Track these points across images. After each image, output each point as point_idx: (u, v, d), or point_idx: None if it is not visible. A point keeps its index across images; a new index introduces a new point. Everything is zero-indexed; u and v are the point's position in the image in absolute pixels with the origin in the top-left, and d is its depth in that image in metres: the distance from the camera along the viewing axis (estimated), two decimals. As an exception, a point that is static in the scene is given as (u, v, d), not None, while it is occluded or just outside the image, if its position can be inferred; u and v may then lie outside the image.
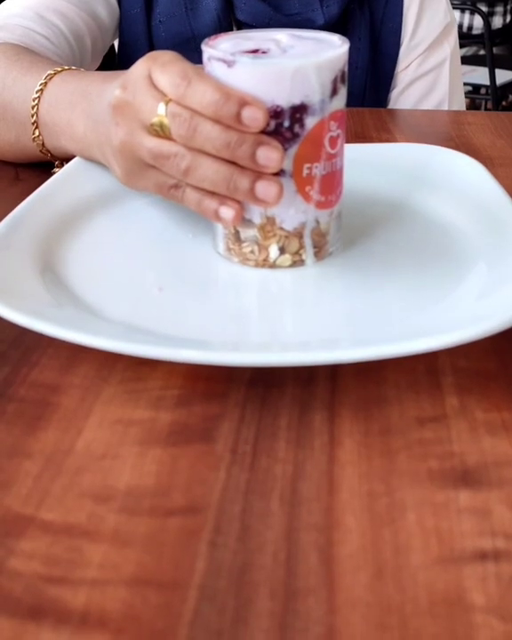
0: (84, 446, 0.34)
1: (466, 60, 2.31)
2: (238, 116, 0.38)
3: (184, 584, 0.27)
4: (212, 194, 0.40)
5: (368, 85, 0.84)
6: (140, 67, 0.42)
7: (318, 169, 0.41)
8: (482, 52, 2.40)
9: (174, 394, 0.37)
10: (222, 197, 0.40)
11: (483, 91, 2.43)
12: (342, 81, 0.42)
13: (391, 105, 0.86)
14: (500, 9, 2.49)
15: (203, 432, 0.34)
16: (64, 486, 0.32)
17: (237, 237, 0.46)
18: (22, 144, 0.60)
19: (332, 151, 0.42)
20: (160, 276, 0.45)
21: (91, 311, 0.40)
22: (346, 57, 0.42)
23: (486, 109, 2.50)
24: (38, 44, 0.69)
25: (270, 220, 0.43)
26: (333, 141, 0.42)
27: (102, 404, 0.36)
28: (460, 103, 0.87)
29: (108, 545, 0.29)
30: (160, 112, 0.40)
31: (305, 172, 0.41)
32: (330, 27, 0.79)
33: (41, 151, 0.59)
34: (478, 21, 2.53)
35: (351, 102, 0.84)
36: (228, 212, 0.40)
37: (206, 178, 0.39)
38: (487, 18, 2.30)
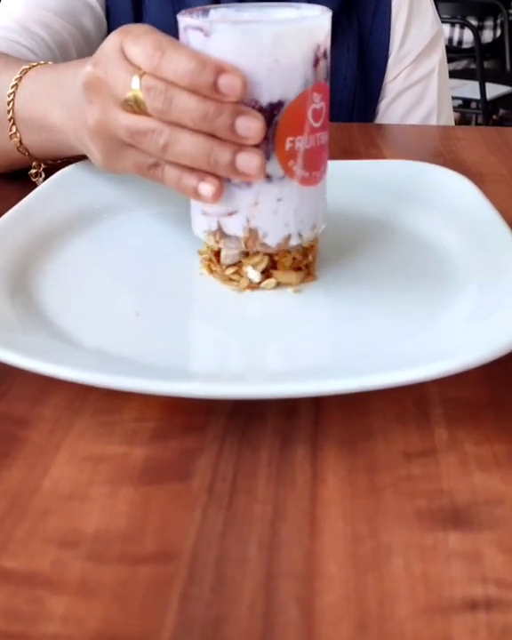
0: (51, 486, 0.32)
1: (456, 74, 2.32)
2: (215, 85, 0.36)
3: (153, 640, 0.25)
4: (192, 170, 0.39)
5: (357, 96, 0.83)
6: (112, 40, 0.40)
7: (302, 143, 0.39)
8: (472, 66, 2.40)
9: (150, 426, 0.35)
10: (202, 173, 0.38)
11: (473, 105, 2.43)
12: (324, 55, 0.40)
13: (380, 116, 0.85)
14: (490, 23, 2.50)
15: (178, 468, 0.32)
16: (28, 530, 0.29)
17: (218, 259, 0.44)
18: (1, 144, 0.58)
19: (316, 124, 0.40)
20: (138, 300, 0.43)
21: (63, 338, 0.38)
22: (327, 28, 0.40)
23: (477, 124, 2.51)
24: (22, 56, 0.68)
25: (253, 234, 0.42)
26: (317, 114, 0.40)
27: (73, 439, 0.34)
28: (449, 114, 0.86)
29: (72, 596, 0.27)
30: (134, 86, 0.38)
31: (288, 145, 0.39)
32: None
33: (18, 150, 0.57)
34: (468, 36, 2.53)
35: (340, 113, 0.84)
36: (207, 188, 0.38)
37: (185, 153, 0.38)
38: (477, 32, 2.31)
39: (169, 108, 0.37)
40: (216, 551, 0.28)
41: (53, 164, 0.59)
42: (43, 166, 0.59)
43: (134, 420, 0.35)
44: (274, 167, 0.39)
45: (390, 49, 0.82)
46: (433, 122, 0.84)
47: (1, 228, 0.46)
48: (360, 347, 0.38)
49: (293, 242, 0.42)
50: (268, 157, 0.39)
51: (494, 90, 2.39)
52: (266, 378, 0.35)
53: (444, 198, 0.52)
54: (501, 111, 2.55)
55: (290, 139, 0.39)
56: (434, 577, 0.27)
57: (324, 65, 0.40)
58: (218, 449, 0.33)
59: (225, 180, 0.39)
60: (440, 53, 0.84)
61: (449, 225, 0.50)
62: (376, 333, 0.39)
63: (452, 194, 0.53)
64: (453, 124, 0.89)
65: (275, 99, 0.38)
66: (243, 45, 0.37)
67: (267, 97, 0.38)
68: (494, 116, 2.48)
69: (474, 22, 2.37)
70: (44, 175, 0.59)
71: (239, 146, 0.37)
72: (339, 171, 0.57)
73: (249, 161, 0.37)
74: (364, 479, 0.32)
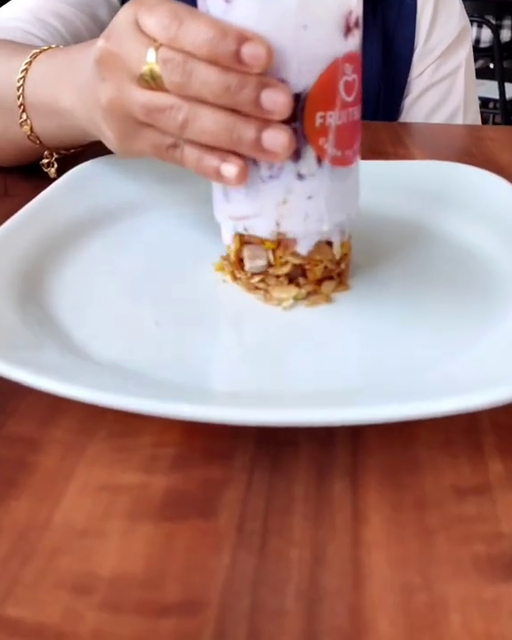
0: (62, 519, 0.28)
1: (474, 74, 2.27)
2: (238, 55, 0.33)
3: None
4: (214, 150, 0.35)
5: (381, 92, 0.79)
6: (126, 12, 0.37)
7: (333, 118, 0.36)
8: (490, 66, 2.36)
9: (170, 453, 0.32)
10: (224, 153, 0.35)
11: (491, 105, 2.38)
12: (356, 24, 0.36)
13: (404, 114, 0.81)
14: (508, 22, 2.46)
15: (203, 503, 0.29)
16: (36, 573, 0.26)
17: (242, 265, 0.41)
18: (11, 133, 0.54)
19: (349, 98, 0.36)
20: (157, 309, 0.40)
21: (76, 351, 0.35)
22: None
23: (494, 123, 2.46)
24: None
25: (283, 241, 0.38)
26: (349, 87, 0.36)
27: (86, 465, 0.31)
28: (476, 112, 0.83)
29: (85, 654, 0.24)
30: (149, 60, 0.35)
31: (318, 121, 0.35)
32: None
33: (29, 138, 0.53)
34: (486, 34, 2.49)
35: (364, 110, 0.80)
36: (230, 168, 0.35)
37: (205, 130, 0.34)
38: (496, 31, 2.27)
39: (188, 82, 0.34)
40: (248, 602, 0.25)
41: (66, 154, 0.56)
42: (55, 156, 0.56)
43: (153, 445, 0.32)
44: (302, 146, 0.36)
45: (416, 43, 0.79)
46: (459, 120, 0.81)
47: (10, 231, 0.42)
48: (400, 367, 0.35)
49: (325, 227, 0.38)
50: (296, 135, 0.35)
51: (512, 90, 2.34)
52: (297, 402, 0.32)
53: (482, 202, 0.49)
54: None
55: (320, 114, 0.35)
56: (498, 637, 0.24)
57: (357, 34, 0.36)
58: (246, 480, 0.30)
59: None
60: (467, 49, 0.81)
61: (491, 231, 0.46)
62: (417, 351, 0.36)
63: (491, 197, 0.49)
64: (480, 122, 0.85)
65: (303, 70, 0.34)
66: (267, 11, 0.34)
67: (294, 68, 0.34)
68: (511, 118, 2.43)
69: (492, 21, 2.32)
70: (56, 165, 0.56)
71: (265, 122, 0.34)
72: (369, 170, 0.54)
73: (275, 138, 0.34)
74: (412, 519, 0.28)
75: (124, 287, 0.42)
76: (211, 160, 0.35)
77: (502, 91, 2.24)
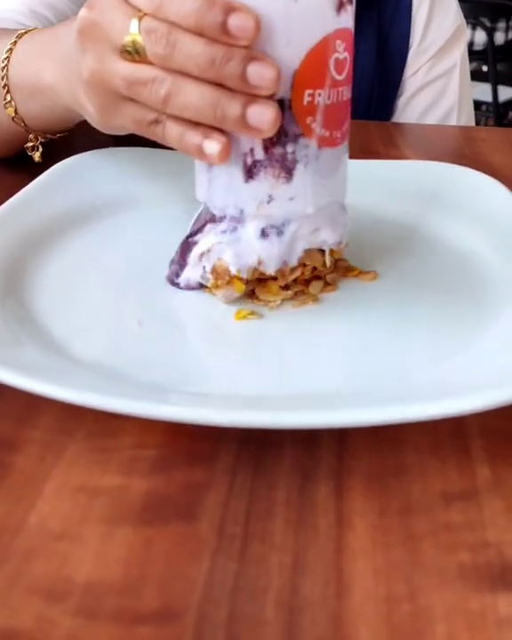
0: (38, 522, 0.27)
1: (467, 76, 2.27)
2: (224, 26, 0.32)
3: None
4: (197, 126, 0.34)
5: (375, 90, 0.78)
6: None
7: (322, 97, 0.34)
8: (484, 68, 2.36)
9: (151, 454, 0.31)
10: (207, 129, 0.34)
11: (484, 107, 2.38)
12: (349, 0, 0.35)
13: (398, 113, 0.80)
14: (502, 25, 2.46)
15: (184, 506, 0.28)
16: (9, 577, 0.25)
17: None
18: None
19: (339, 77, 0.35)
20: (140, 307, 0.39)
21: (56, 349, 0.34)
22: None
23: (486, 126, 2.46)
24: None
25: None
26: (340, 65, 0.35)
27: (64, 466, 0.30)
28: (470, 113, 0.82)
29: (57, 663, 0.23)
30: (133, 30, 0.34)
31: (306, 99, 0.34)
32: None
33: (14, 120, 0.52)
34: (480, 37, 2.49)
35: (357, 109, 0.79)
36: (212, 145, 0.34)
37: (189, 104, 0.33)
38: (490, 33, 2.27)
39: (171, 54, 0.33)
40: (227, 610, 0.24)
41: (52, 139, 0.55)
42: (40, 140, 0.55)
43: (133, 446, 0.31)
44: (289, 124, 0.34)
45: (411, 41, 0.78)
46: (453, 120, 0.80)
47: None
48: (388, 370, 0.34)
49: (310, 209, 0.37)
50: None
51: (506, 92, 2.35)
52: (282, 404, 0.31)
53: (476, 203, 0.48)
54: (511, 114, 2.51)
55: (309, 92, 0.34)
56: (482, 649, 0.23)
57: (350, 10, 0.35)
58: (228, 484, 0.29)
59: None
60: (462, 48, 0.80)
61: (483, 232, 0.46)
62: (404, 354, 0.35)
63: (485, 199, 0.49)
64: (474, 123, 0.84)
65: (292, 45, 0.33)
66: None
67: (283, 42, 0.33)
68: (504, 121, 2.44)
69: (487, 23, 2.32)
70: (40, 149, 0.55)
71: (251, 97, 0.33)
72: (360, 171, 0.54)
73: (261, 114, 0.33)
74: (398, 525, 0.28)
75: (106, 285, 0.41)
76: (193, 136, 0.34)
77: (495, 93, 2.24)
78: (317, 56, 0.34)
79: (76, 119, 0.46)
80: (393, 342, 0.36)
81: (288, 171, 0.36)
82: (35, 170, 0.51)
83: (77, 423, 0.32)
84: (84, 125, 0.68)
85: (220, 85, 0.33)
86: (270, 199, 0.36)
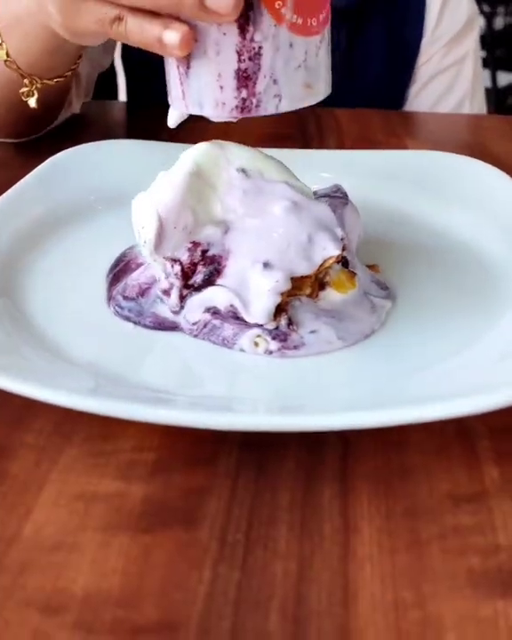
0: (33, 532, 0.27)
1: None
2: None
3: None
4: (157, 17, 0.33)
5: (386, 78, 0.77)
6: None
7: None
8: (483, 54, 2.32)
9: (150, 458, 0.30)
10: (167, 19, 0.33)
11: (483, 93, 2.36)
12: None
13: (410, 101, 0.79)
14: (501, 10, 2.43)
15: (183, 513, 0.27)
16: (4, 589, 0.25)
17: None
18: None
19: None
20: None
21: (51, 351, 0.33)
22: None
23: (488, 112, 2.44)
24: None
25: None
26: None
27: (60, 472, 0.29)
28: (481, 101, 0.81)
29: (54, 680, 0.22)
30: None
31: None
32: (350, 11, 0.73)
33: (6, 64, 0.51)
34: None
35: (367, 94, 0.78)
36: (172, 35, 0.32)
37: None
38: (490, 19, 2.24)
39: None
40: (229, 621, 0.24)
41: (48, 85, 0.53)
42: (35, 85, 0.53)
43: (132, 450, 0.30)
44: (255, 9, 0.32)
45: (425, 29, 0.77)
46: (466, 108, 0.79)
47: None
48: (391, 369, 0.33)
49: (283, 106, 0.34)
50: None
51: (505, 78, 2.32)
52: (284, 407, 0.30)
53: (477, 193, 0.47)
54: (510, 99, 2.48)
55: None
56: (495, 659, 0.23)
57: None
58: (230, 488, 0.28)
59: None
60: (475, 37, 0.79)
61: (486, 223, 0.45)
62: (410, 352, 0.34)
63: (487, 188, 0.48)
64: (485, 111, 0.83)
65: None
66: None
67: None
68: (504, 106, 2.41)
69: (486, 8, 2.30)
70: (36, 95, 0.53)
71: None
72: (359, 161, 0.53)
73: None
74: (405, 529, 0.27)
75: (101, 284, 0.40)
76: (153, 28, 0.33)
77: (494, 79, 2.22)
78: None
79: (62, 49, 0.44)
80: (396, 340, 0.35)
81: (257, 59, 0.33)
82: (26, 164, 0.50)
83: (73, 427, 0.31)
84: (75, 119, 0.67)
85: None
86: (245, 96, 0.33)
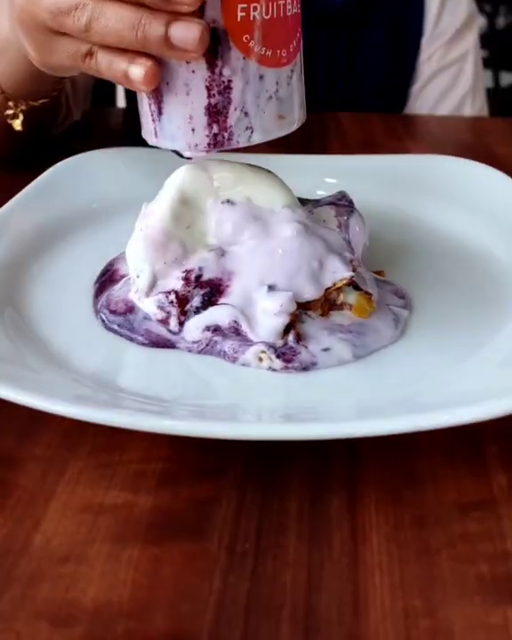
0: (42, 543, 0.27)
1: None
2: None
3: None
4: (125, 52, 0.33)
5: (387, 77, 0.78)
6: None
7: (258, 11, 0.32)
8: (483, 55, 2.32)
9: (157, 468, 0.30)
10: (133, 55, 0.33)
11: (485, 93, 2.35)
12: None
13: (413, 99, 0.79)
14: (503, 9, 2.43)
15: (192, 523, 0.27)
16: (15, 601, 0.25)
17: None
18: None
19: None
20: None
21: (56, 361, 0.33)
22: None
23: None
24: None
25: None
26: None
27: (68, 483, 0.29)
28: (483, 99, 0.81)
29: None
30: None
31: (240, 15, 0.31)
32: (348, 12, 0.74)
33: None
34: (480, 22, 2.45)
35: (369, 96, 0.78)
36: (136, 70, 0.32)
37: (110, 28, 0.32)
38: (492, 18, 2.24)
39: None
40: (240, 632, 0.24)
41: (34, 106, 0.53)
42: (20, 107, 0.53)
43: (139, 461, 0.30)
44: (223, 43, 0.32)
45: (425, 27, 0.77)
46: (467, 107, 0.79)
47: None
48: (397, 375, 0.33)
49: (256, 138, 0.34)
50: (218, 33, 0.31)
51: (507, 78, 2.32)
52: (290, 415, 0.30)
53: (483, 198, 0.47)
54: (513, 100, 2.48)
55: (242, 6, 0.31)
56: (505, 667, 0.23)
57: None
58: (238, 498, 0.28)
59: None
60: (475, 34, 0.80)
61: (489, 225, 0.45)
62: (417, 359, 0.34)
63: (489, 191, 0.48)
64: (487, 110, 0.83)
65: None
66: None
67: None
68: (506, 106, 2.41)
69: (487, 8, 2.29)
70: (21, 117, 0.53)
71: (173, 15, 0.31)
72: (361, 166, 0.53)
73: (186, 32, 0.31)
74: (414, 538, 0.27)
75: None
76: (120, 62, 0.33)
77: (496, 79, 2.22)
78: None
79: (45, 75, 0.44)
80: (402, 346, 0.35)
81: (227, 93, 0.33)
82: (28, 172, 0.50)
83: (80, 438, 0.31)
84: (77, 127, 0.67)
85: (143, 8, 0.32)
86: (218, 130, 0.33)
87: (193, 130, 0.34)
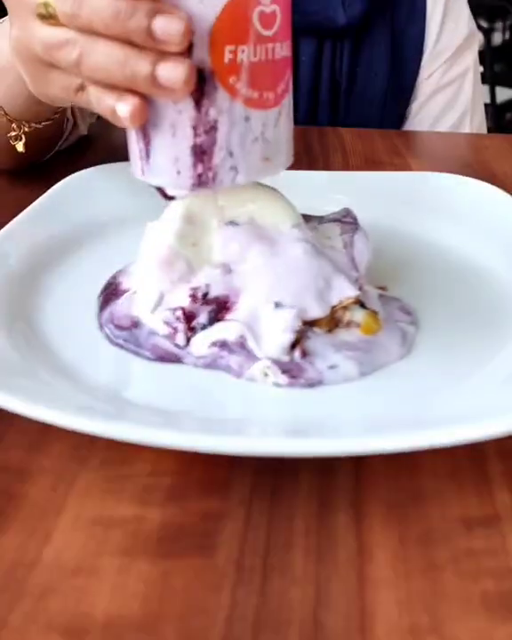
0: (53, 557, 0.27)
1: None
2: None
3: None
4: (113, 88, 0.33)
5: (388, 93, 0.79)
6: None
7: (245, 54, 0.32)
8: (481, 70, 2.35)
9: (165, 482, 0.30)
10: (121, 91, 0.33)
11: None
12: None
13: (412, 116, 0.80)
14: (499, 25, 2.46)
15: (200, 538, 0.28)
16: (27, 614, 0.25)
17: None
18: None
19: (266, 32, 0.32)
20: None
21: (67, 375, 0.34)
22: None
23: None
24: None
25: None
26: (267, 20, 0.32)
27: (78, 496, 0.30)
28: (482, 116, 0.83)
29: None
30: None
31: (227, 57, 0.32)
32: (351, 29, 0.75)
33: None
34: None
35: (371, 112, 0.79)
36: (123, 107, 0.32)
37: (99, 65, 0.32)
38: (488, 34, 2.27)
39: (78, 11, 0.32)
40: (249, 646, 0.24)
41: (36, 128, 0.54)
42: (23, 129, 0.53)
43: (148, 474, 0.31)
44: (209, 84, 0.32)
45: (425, 45, 0.78)
46: (466, 124, 0.80)
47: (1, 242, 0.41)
48: (404, 392, 0.33)
49: (240, 179, 0.34)
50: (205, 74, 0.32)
51: (503, 94, 2.34)
52: (297, 431, 0.30)
53: (483, 216, 0.48)
54: (509, 115, 2.51)
55: (229, 48, 0.32)
56: (510, 684, 0.23)
57: None
58: (245, 513, 0.29)
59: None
60: (475, 53, 0.81)
61: (489, 243, 0.45)
62: (421, 376, 0.35)
63: (492, 210, 0.49)
64: (485, 127, 0.84)
65: None
66: None
67: None
68: (501, 122, 2.43)
69: (484, 24, 2.32)
70: (24, 139, 0.54)
71: (160, 54, 0.32)
72: (363, 183, 0.53)
73: (172, 71, 0.31)
74: (419, 554, 0.27)
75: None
76: (108, 98, 0.33)
77: (493, 95, 2.24)
78: (236, 8, 0.31)
79: (30, 92, 0.45)
80: (405, 363, 0.36)
81: (212, 133, 0.33)
82: (39, 186, 0.50)
83: (89, 451, 0.32)
84: (87, 140, 0.68)
85: (132, 45, 0.32)
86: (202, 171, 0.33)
87: (178, 171, 0.34)
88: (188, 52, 0.31)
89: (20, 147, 0.54)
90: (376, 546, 0.27)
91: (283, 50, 0.34)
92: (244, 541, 0.28)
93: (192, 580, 0.26)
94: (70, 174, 0.51)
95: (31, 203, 0.47)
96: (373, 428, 0.30)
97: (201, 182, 0.34)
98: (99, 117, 0.74)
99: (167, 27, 0.31)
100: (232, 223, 0.37)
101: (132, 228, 0.47)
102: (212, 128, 0.33)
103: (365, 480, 0.30)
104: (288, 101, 0.35)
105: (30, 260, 0.42)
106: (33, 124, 0.54)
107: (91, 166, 0.53)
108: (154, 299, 0.37)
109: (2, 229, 0.43)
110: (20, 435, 0.33)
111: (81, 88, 0.35)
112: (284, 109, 0.35)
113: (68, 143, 0.64)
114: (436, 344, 0.37)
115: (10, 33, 0.38)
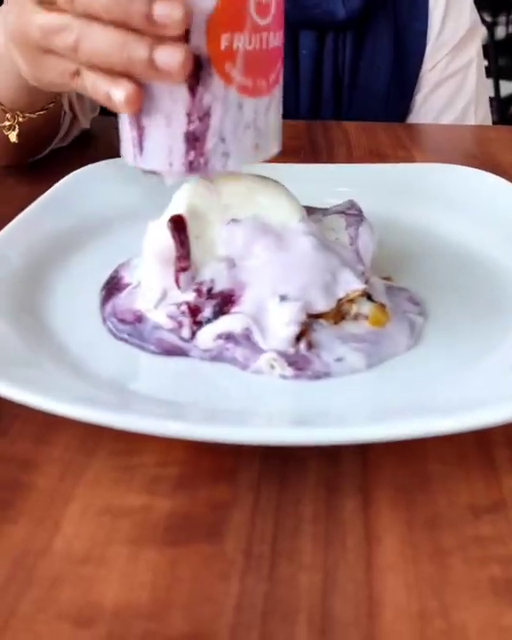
0: (63, 546, 0.27)
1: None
2: None
3: None
4: (109, 73, 0.33)
5: (391, 86, 0.79)
6: None
7: (241, 42, 0.32)
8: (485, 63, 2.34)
9: (173, 472, 0.30)
10: (117, 76, 0.33)
11: (486, 102, 2.36)
12: None
13: (416, 109, 0.80)
14: (502, 19, 2.45)
15: (208, 526, 0.28)
16: (36, 603, 0.25)
17: None
18: None
19: (262, 21, 0.33)
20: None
21: (74, 366, 0.34)
22: None
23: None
24: None
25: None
26: (262, 8, 0.33)
27: (86, 486, 0.30)
28: (486, 108, 0.82)
29: None
30: None
31: (223, 44, 0.32)
32: (351, 22, 0.75)
33: None
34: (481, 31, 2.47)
35: (374, 105, 0.79)
36: (118, 92, 0.33)
37: (96, 49, 0.33)
38: (491, 28, 2.25)
39: None
40: (257, 631, 0.24)
41: (31, 118, 0.54)
42: (17, 119, 0.54)
43: (156, 465, 0.31)
44: (205, 69, 0.32)
45: (428, 37, 0.78)
46: (471, 115, 0.80)
47: (3, 239, 0.41)
48: (411, 381, 0.33)
49: (231, 165, 0.34)
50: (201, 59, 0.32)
51: (508, 87, 2.33)
52: (304, 420, 0.31)
53: (488, 206, 0.48)
54: (513, 109, 2.49)
55: (226, 35, 0.32)
56: (519, 667, 0.23)
57: None
58: (253, 501, 0.29)
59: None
60: (478, 44, 0.81)
61: (494, 235, 0.45)
62: (428, 364, 0.35)
63: (497, 201, 0.48)
64: (490, 119, 0.84)
65: None
66: None
67: None
68: (506, 115, 2.42)
69: (487, 18, 2.31)
70: (17, 129, 0.54)
71: (158, 39, 0.32)
72: (368, 175, 0.53)
73: (170, 56, 0.31)
74: (427, 539, 0.27)
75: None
76: (103, 84, 0.33)
77: (497, 88, 2.23)
78: None
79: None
80: (415, 353, 0.36)
81: (206, 120, 0.33)
82: (44, 181, 0.50)
83: (98, 441, 0.32)
84: (90, 135, 0.68)
85: (130, 30, 0.32)
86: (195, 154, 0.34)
87: (171, 157, 0.34)
88: (185, 38, 0.32)
89: (12, 137, 0.54)
90: (384, 532, 0.28)
91: (276, 39, 0.34)
92: (252, 529, 0.28)
93: (200, 569, 0.26)
94: (74, 171, 0.51)
95: (36, 199, 0.47)
96: (380, 415, 0.30)
97: (192, 168, 0.34)
98: (100, 111, 0.74)
99: (167, 11, 0.31)
100: (237, 220, 0.37)
101: (135, 223, 0.47)
102: (206, 114, 0.33)
103: (373, 466, 0.30)
104: (278, 91, 0.36)
105: (36, 255, 0.42)
106: (27, 114, 0.54)
107: (94, 162, 0.53)
108: (157, 295, 0.37)
109: (7, 225, 0.43)
110: (28, 425, 0.33)
111: (77, 73, 0.35)
112: (275, 99, 0.36)
113: (71, 138, 0.64)
114: (444, 334, 0.37)
115: (5, 20, 0.38)
